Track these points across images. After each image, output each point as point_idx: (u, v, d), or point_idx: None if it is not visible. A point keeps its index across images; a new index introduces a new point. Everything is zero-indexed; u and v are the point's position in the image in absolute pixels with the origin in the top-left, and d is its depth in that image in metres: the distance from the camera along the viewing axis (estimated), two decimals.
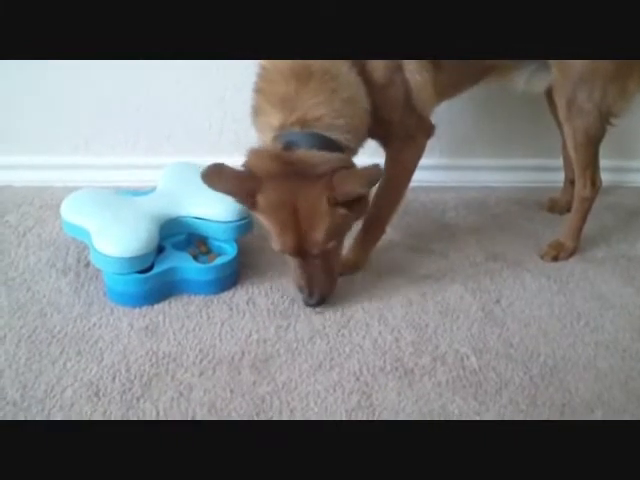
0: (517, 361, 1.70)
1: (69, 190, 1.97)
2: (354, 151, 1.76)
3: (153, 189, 2.01)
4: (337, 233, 1.71)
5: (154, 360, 1.63)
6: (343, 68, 1.69)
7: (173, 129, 2.39)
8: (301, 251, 1.69)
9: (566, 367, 1.69)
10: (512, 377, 1.65)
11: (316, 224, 1.64)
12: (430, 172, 2.47)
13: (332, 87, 1.66)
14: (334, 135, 1.66)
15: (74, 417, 1.46)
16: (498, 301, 1.92)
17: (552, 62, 1.93)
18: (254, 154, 1.65)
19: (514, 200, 2.49)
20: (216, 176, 1.62)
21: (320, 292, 1.77)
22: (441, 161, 2.54)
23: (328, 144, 1.65)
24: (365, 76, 1.73)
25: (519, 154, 2.59)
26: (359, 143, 1.78)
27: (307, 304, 1.80)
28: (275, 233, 1.67)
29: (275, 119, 1.67)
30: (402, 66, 1.79)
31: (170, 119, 2.37)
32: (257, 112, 1.74)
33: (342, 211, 1.64)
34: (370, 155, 1.81)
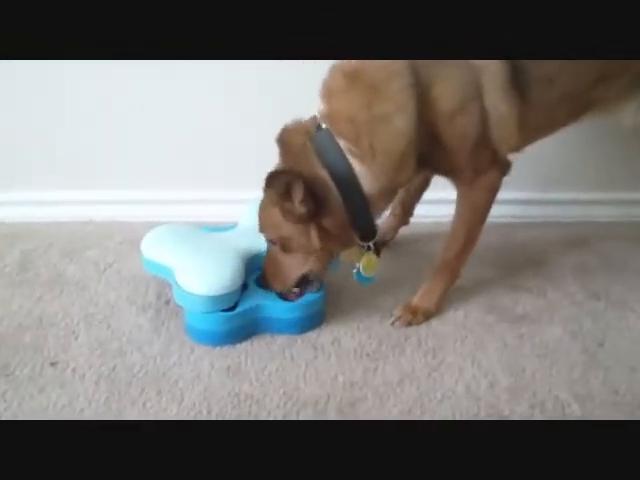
0: (624, 409, 1.60)
1: (149, 225, 1.98)
2: (375, 182, 1.66)
3: (235, 224, 1.99)
4: (277, 233, 1.74)
5: (236, 402, 1.58)
6: (393, 85, 1.59)
7: (256, 163, 2.36)
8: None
9: None
10: None
11: (262, 213, 1.77)
12: (529, 207, 2.45)
13: (368, 100, 1.60)
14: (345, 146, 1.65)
15: None
16: (601, 344, 1.82)
17: None
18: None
19: (618, 235, 2.41)
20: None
21: (268, 279, 1.82)
22: (541, 195, 2.48)
23: (338, 152, 1.64)
24: (427, 102, 1.61)
25: (623, 187, 2.51)
26: (381, 174, 1.65)
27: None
28: None
29: (321, 106, 1.70)
30: (482, 94, 1.64)
31: (252, 153, 2.34)
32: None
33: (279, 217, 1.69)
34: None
